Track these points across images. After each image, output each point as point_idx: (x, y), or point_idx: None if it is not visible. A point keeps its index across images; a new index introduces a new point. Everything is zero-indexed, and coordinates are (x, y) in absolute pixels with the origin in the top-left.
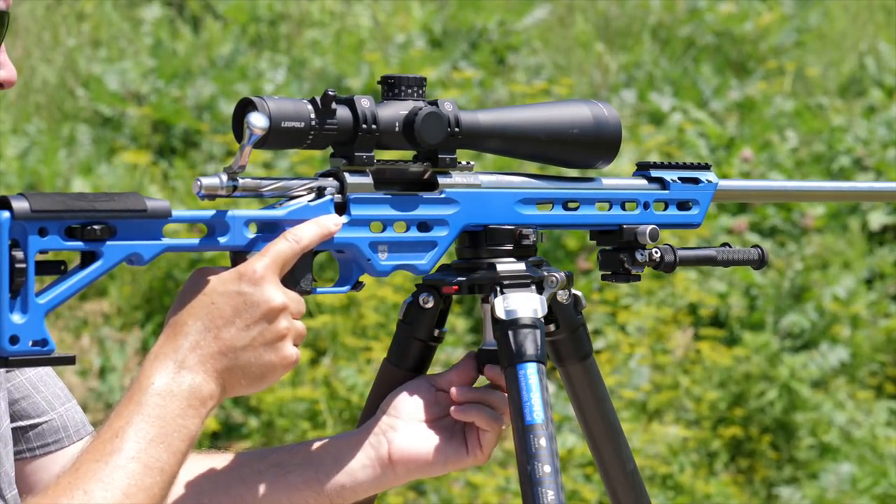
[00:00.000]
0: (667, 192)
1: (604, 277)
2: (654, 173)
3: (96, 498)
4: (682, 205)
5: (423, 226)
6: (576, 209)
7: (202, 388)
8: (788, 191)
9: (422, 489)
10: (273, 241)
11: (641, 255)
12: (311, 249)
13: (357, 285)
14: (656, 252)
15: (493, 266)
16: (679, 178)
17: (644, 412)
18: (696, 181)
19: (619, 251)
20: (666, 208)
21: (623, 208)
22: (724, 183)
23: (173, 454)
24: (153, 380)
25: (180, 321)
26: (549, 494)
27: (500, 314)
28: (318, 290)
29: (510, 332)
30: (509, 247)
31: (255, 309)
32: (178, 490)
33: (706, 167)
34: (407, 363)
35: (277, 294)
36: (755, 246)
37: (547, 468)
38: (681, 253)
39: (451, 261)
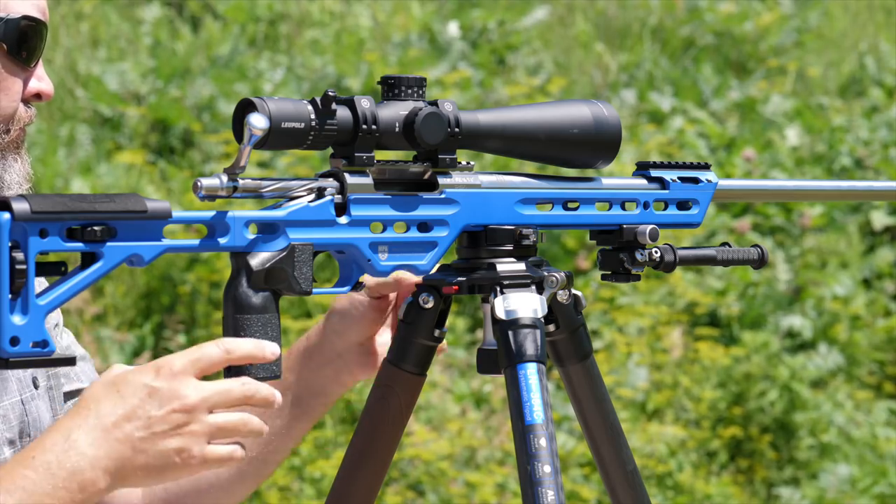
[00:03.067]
0: (666, 191)
1: (604, 277)
2: (654, 173)
3: None
4: (682, 204)
5: (424, 226)
6: (576, 209)
7: (85, 473)
8: (788, 190)
9: (420, 489)
10: (202, 344)
11: (641, 254)
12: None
13: (357, 286)
14: (656, 252)
15: (493, 266)
16: (679, 178)
17: (643, 412)
18: (695, 181)
19: (618, 251)
20: (666, 208)
21: (623, 208)
22: (723, 182)
23: None
24: (35, 452)
25: (85, 404)
26: (549, 494)
27: (500, 314)
28: (317, 290)
29: (510, 332)
30: (509, 247)
31: (159, 402)
32: None
33: (706, 167)
34: (407, 363)
35: (191, 391)
36: (755, 245)
37: (547, 468)
38: (681, 252)
39: (450, 261)
